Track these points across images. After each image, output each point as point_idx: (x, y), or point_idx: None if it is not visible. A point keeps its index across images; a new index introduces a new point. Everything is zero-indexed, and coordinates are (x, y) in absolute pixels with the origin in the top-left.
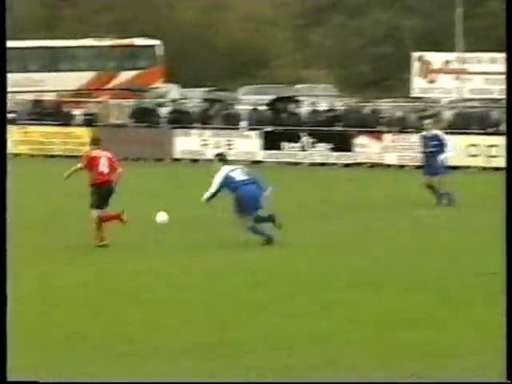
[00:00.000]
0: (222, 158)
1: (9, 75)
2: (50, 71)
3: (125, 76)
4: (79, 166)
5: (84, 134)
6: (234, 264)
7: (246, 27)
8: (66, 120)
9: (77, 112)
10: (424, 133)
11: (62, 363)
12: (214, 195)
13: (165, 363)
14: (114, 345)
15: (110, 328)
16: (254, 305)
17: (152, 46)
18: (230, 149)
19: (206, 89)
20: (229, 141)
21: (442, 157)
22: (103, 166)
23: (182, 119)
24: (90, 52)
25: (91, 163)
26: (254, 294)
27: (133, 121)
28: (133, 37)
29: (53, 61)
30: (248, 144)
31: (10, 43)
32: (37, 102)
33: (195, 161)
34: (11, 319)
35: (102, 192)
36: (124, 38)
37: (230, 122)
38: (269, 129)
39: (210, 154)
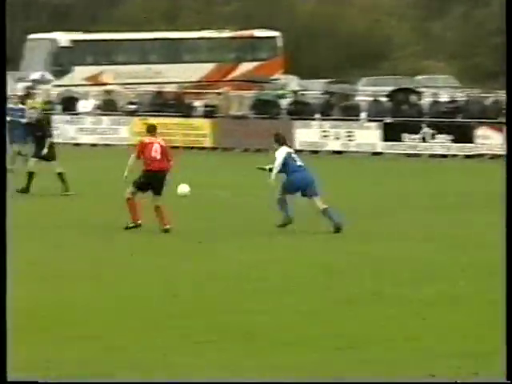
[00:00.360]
0: (278, 139)
1: (130, 67)
2: (170, 63)
3: (245, 67)
4: (133, 156)
5: (204, 125)
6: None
7: (366, 18)
8: (186, 111)
9: (197, 103)
10: None
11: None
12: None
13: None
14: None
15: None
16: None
17: (273, 38)
18: (350, 140)
19: (326, 80)
20: (349, 132)
21: None
22: (155, 152)
23: (302, 110)
24: (211, 43)
25: (143, 149)
26: (378, 284)
27: (253, 112)
28: (252, 28)
29: (173, 52)
30: (368, 135)
31: (130, 35)
32: (158, 94)
33: (315, 152)
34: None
35: (151, 179)
36: (244, 29)
37: (350, 113)
38: (389, 120)
39: (330, 145)
